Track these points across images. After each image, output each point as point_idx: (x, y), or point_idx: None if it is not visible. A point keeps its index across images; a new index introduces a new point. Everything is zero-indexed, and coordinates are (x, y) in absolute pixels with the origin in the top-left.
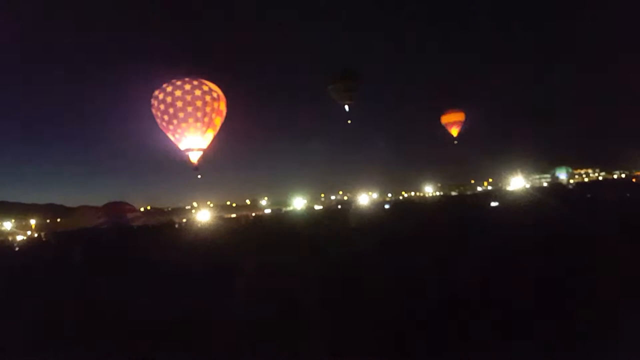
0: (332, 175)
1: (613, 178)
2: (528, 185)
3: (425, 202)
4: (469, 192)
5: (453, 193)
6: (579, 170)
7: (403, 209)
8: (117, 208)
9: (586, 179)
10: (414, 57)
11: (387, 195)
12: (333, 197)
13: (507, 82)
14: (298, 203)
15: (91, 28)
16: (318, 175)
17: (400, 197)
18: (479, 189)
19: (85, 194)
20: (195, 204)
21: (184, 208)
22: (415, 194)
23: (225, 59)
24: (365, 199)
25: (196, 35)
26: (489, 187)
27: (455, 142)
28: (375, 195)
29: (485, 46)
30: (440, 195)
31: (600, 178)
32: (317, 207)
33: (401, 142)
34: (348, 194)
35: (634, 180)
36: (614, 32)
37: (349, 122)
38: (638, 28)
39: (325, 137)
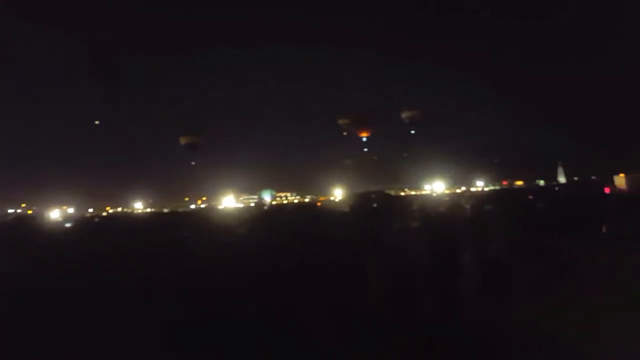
0: None
1: (304, 200)
2: (239, 205)
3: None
4: (180, 210)
5: (165, 210)
6: (280, 193)
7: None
8: None
9: (285, 201)
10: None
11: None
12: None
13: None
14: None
15: None
16: None
17: (104, 213)
18: (192, 206)
19: None
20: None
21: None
22: (122, 209)
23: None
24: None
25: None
26: (202, 205)
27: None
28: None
29: None
30: (150, 211)
31: (296, 200)
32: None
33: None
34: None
35: (318, 203)
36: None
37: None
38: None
39: None
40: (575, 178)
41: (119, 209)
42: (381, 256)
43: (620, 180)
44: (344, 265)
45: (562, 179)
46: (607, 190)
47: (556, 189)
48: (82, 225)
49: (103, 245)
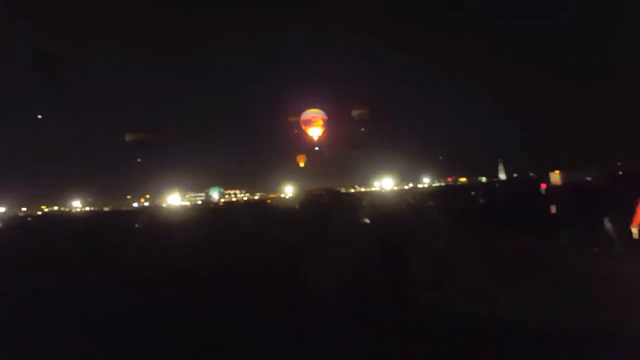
0: None
1: (254, 198)
2: (185, 203)
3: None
4: (123, 208)
5: (106, 209)
6: (229, 191)
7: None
8: None
9: (234, 199)
10: None
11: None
12: None
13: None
14: None
15: None
16: None
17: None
18: (135, 205)
19: None
20: None
21: None
22: (59, 208)
23: None
24: None
25: None
26: (146, 204)
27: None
28: None
29: None
30: (89, 210)
31: (245, 198)
32: None
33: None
34: None
35: (268, 200)
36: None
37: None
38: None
39: None
40: (515, 175)
41: (56, 208)
42: (332, 251)
43: (555, 176)
44: (293, 261)
45: (502, 176)
46: (543, 186)
47: (497, 185)
48: (13, 224)
49: (34, 246)
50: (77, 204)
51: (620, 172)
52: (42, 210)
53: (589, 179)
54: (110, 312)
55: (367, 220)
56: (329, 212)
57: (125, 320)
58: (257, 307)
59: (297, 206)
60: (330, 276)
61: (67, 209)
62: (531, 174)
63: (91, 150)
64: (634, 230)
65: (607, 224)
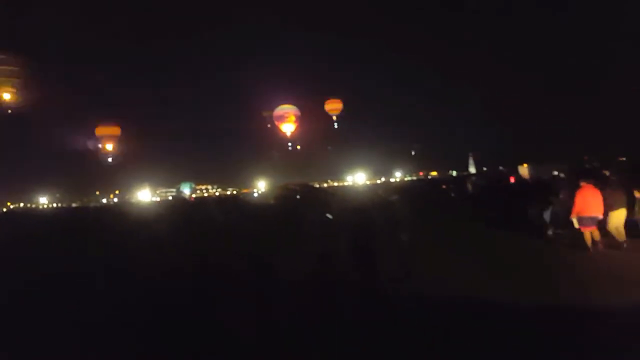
0: None
1: (227, 194)
2: (155, 198)
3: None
4: (92, 205)
5: (74, 205)
6: (201, 186)
7: None
8: None
9: (206, 194)
10: None
11: None
12: None
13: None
14: None
15: None
16: None
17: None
18: (104, 200)
19: None
20: None
21: None
22: (25, 204)
23: None
24: None
25: None
26: (115, 199)
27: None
28: None
29: None
30: (55, 207)
31: (218, 193)
32: None
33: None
34: None
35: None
36: None
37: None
38: None
39: None
40: (485, 169)
41: (21, 205)
42: (305, 245)
43: (524, 170)
44: (267, 254)
45: (472, 170)
46: (512, 179)
47: (466, 179)
48: None
49: None
50: (44, 201)
51: (587, 166)
52: (7, 206)
53: (556, 172)
54: (80, 311)
55: (330, 216)
56: (302, 206)
57: (99, 319)
58: (234, 304)
59: (270, 201)
60: (304, 271)
61: (33, 206)
62: (501, 168)
63: (59, 144)
64: (573, 220)
65: (546, 212)
